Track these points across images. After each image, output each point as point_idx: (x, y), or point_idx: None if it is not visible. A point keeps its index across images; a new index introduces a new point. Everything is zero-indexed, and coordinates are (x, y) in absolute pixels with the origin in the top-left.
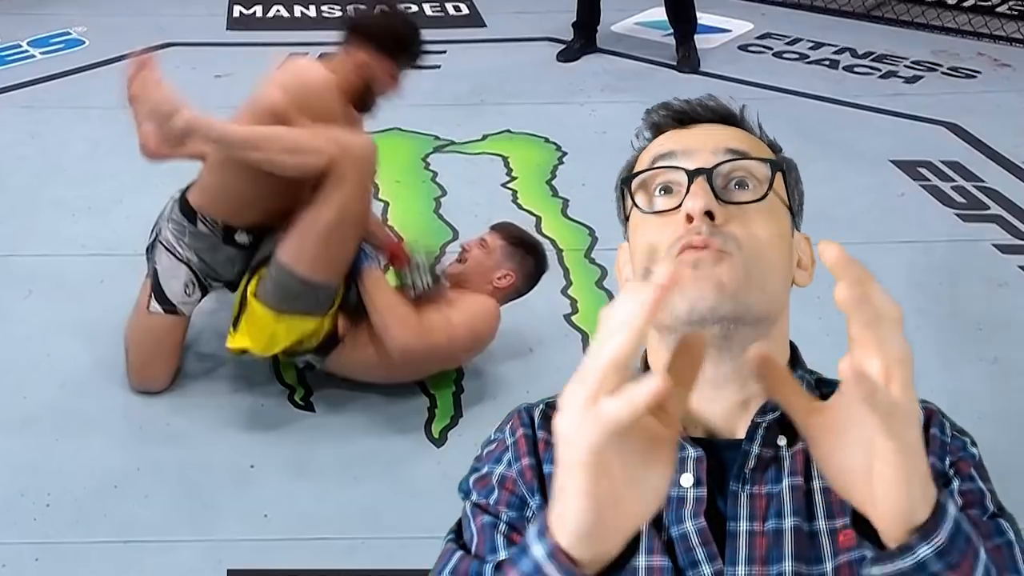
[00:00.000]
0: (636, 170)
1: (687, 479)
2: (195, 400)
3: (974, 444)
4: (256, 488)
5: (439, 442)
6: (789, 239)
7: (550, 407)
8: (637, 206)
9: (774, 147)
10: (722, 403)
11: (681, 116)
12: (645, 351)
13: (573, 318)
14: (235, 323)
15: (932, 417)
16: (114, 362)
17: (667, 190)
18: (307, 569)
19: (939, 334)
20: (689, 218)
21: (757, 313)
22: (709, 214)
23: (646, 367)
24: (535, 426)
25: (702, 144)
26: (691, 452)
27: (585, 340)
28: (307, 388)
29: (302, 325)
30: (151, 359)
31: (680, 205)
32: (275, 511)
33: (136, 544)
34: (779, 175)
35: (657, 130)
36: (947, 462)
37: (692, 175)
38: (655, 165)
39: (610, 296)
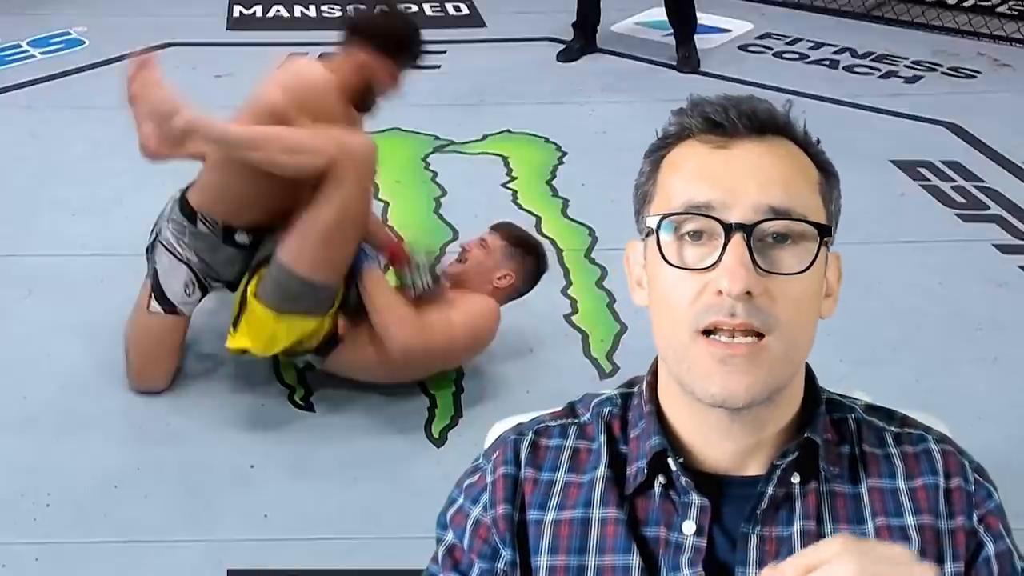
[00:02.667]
0: (664, 210)
1: (689, 527)
2: (195, 400)
3: (994, 486)
4: (256, 488)
5: (439, 442)
6: (823, 283)
7: (539, 434)
8: (664, 255)
9: (819, 158)
10: (734, 444)
11: (717, 127)
12: (655, 376)
13: (573, 318)
14: (235, 323)
15: (951, 462)
16: (114, 362)
17: (697, 235)
18: (307, 569)
19: (939, 334)
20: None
21: (786, 383)
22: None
23: (654, 398)
24: (520, 463)
25: (743, 189)
26: (695, 499)
27: (585, 340)
28: (307, 388)
29: (302, 325)
30: (151, 359)
31: (713, 265)
32: (275, 511)
33: (136, 544)
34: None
35: (685, 132)
36: (975, 517)
37: (730, 231)
38: (689, 211)
39: (610, 296)
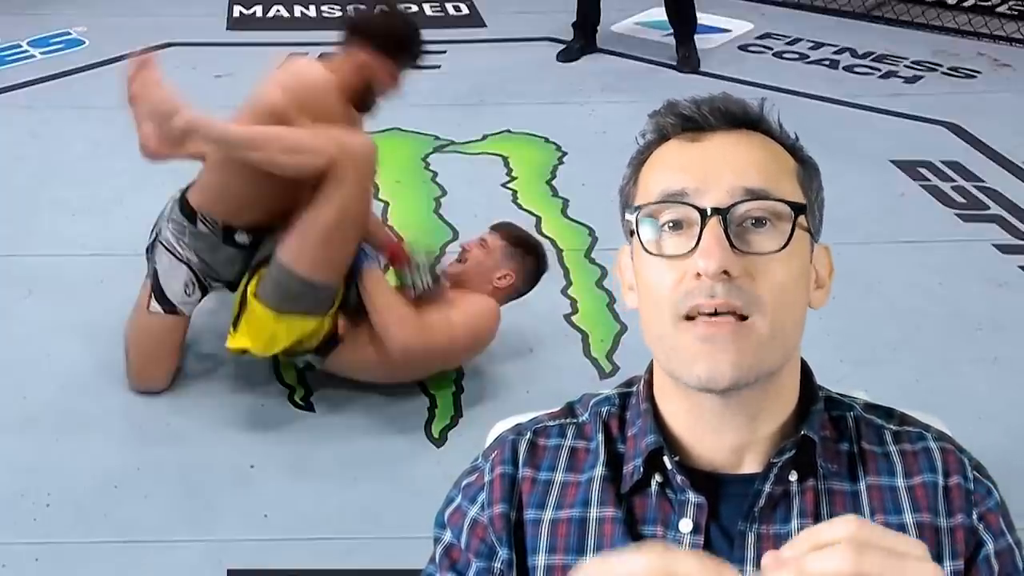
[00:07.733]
0: (642, 202)
1: (686, 525)
2: (195, 400)
3: (994, 483)
4: (256, 488)
5: (439, 442)
6: (808, 269)
7: (537, 434)
8: (644, 247)
9: (796, 149)
10: (729, 437)
11: (691, 124)
12: (652, 375)
13: (573, 318)
14: (235, 323)
15: (950, 460)
16: (114, 362)
17: (676, 225)
18: (307, 569)
19: (939, 334)
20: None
21: (775, 367)
22: (725, 271)
23: (650, 396)
24: (518, 462)
25: (716, 175)
26: (692, 497)
27: (585, 340)
28: (307, 388)
29: (302, 325)
30: (151, 359)
31: (692, 251)
32: (275, 511)
33: (136, 544)
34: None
35: (663, 135)
36: (974, 515)
37: (705, 216)
38: (664, 200)
39: (610, 296)
